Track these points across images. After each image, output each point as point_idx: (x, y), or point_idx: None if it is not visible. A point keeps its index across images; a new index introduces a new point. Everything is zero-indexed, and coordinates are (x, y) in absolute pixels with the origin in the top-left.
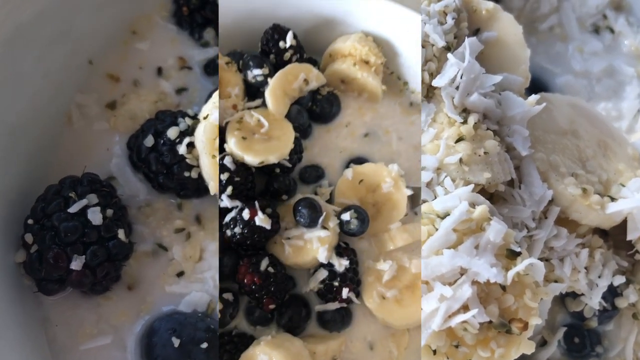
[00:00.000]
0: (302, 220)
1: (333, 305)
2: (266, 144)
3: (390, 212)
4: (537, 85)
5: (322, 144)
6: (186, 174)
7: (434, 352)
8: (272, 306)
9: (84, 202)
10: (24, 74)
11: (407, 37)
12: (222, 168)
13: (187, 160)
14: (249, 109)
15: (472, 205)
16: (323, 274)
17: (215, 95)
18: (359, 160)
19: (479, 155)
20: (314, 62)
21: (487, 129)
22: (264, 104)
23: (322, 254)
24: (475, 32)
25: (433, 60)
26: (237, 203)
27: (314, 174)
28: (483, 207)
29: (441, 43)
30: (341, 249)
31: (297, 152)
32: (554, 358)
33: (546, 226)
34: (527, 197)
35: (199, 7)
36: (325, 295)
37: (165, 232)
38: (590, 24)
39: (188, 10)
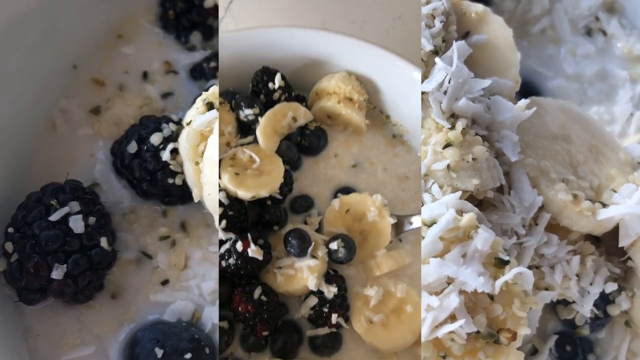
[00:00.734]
0: (292, 250)
1: (323, 331)
2: (258, 179)
3: (375, 240)
4: (528, 89)
5: (311, 174)
6: (170, 180)
7: None
8: (265, 333)
9: (65, 209)
10: (5, 78)
11: (386, 74)
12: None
13: (171, 166)
14: (242, 145)
15: (460, 212)
16: (313, 300)
17: (204, 96)
18: (346, 190)
19: (467, 162)
20: (302, 99)
21: (476, 134)
22: (255, 140)
23: (312, 282)
24: (465, 35)
25: (421, 65)
26: (231, 235)
27: (304, 204)
28: (471, 215)
29: (429, 47)
30: (330, 277)
31: (287, 184)
32: None
33: (536, 233)
34: (517, 204)
35: (185, 10)
36: (316, 321)
37: (150, 239)
38: (583, 26)
39: (174, 14)
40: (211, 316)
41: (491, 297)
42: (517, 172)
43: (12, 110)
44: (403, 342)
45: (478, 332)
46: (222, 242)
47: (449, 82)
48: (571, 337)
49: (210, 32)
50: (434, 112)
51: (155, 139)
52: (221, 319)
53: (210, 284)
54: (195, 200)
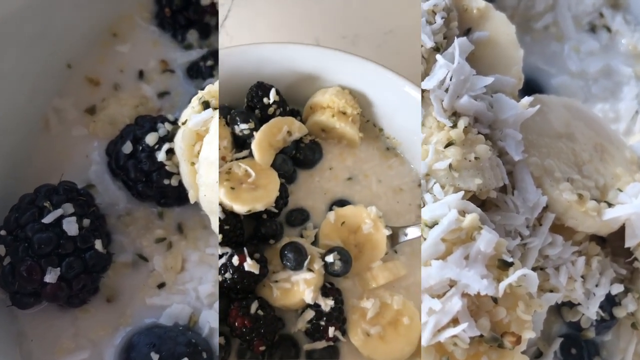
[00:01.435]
0: (288, 264)
1: (321, 344)
2: (253, 193)
3: (371, 252)
4: (531, 87)
5: (307, 187)
6: (166, 181)
7: None
8: (262, 347)
9: (59, 212)
10: None
11: (379, 88)
12: None
13: (167, 167)
14: (237, 159)
15: (462, 213)
16: (310, 314)
17: (199, 95)
18: (341, 203)
19: (470, 161)
20: (297, 113)
21: (478, 133)
22: (251, 155)
23: (308, 295)
24: (466, 32)
25: (421, 62)
26: (227, 250)
27: (300, 217)
28: (473, 216)
29: (430, 44)
30: (327, 289)
31: (282, 197)
32: None
33: (540, 234)
34: (521, 204)
35: (181, 8)
36: (313, 335)
37: (146, 242)
38: (587, 22)
39: (170, 12)
40: (208, 320)
41: (495, 300)
42: (521, 171)
43: (5, 110)
44: (401, 355)
45: (481, 336)
46: (220, 257)
47: (451, 80)
48: (576, 340)
49: (207, 30)
50: (435, 110)
51: (151, 139)
52: (218, 334)
53: (208, 287)
54: (192, 201)
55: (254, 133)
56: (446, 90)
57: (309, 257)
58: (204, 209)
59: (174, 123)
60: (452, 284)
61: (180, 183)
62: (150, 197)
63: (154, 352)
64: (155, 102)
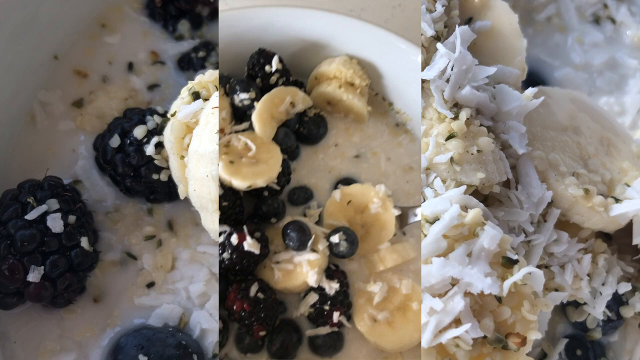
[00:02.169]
0: (291, 243)
1: (324, 330)
2: (254, 167)
3: (379, 233)
4: (534, 79)
5: (310, 165)
6: (155, 176)
7: None
8: (262, 333)
9: (43, 208)
10: None
11: (389, 59)
12: None
13: (156, 161)
14: (236, 132)
15: (464, 208)
16: (313, 297)
17: (189, 85)
18: (347, 181)
19: (472, 154)
20: (300, 85)
21: (481, 125)
22: (251, 127)
23: (312, 278)
24: (468, 21)
25: (421, 51)
26: (226, 228)
27: (303, 195)
28: (476, 211)
29: (430, 32)
30: (331, 272)
31: (285, 174)
32: None
33: (545, 230)
34: (525, 199)
35: None
36: (317, 320)
37: (135, 239)
38: (591, 13)
39: (161, 2)
40: (199, 320)
41: (499, 299)
42: (525, 165)
43: None
44: (409, 341)
45: (485, 337)
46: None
47: (452, 70)
48: (582, 341)
49: (199, 21)
50: (436, 101)
51: (139, 132)
52: None
53: (199, 286)
54: (181, 197)
55: (255, 104)
56: (447, 81)
57: (313, 236)
58: (194, 204)
59: (164, 115)
60: (454, 282)
61: (170, 178)
62: (139, 192)
63: (143, 354)
64: (145, 95)
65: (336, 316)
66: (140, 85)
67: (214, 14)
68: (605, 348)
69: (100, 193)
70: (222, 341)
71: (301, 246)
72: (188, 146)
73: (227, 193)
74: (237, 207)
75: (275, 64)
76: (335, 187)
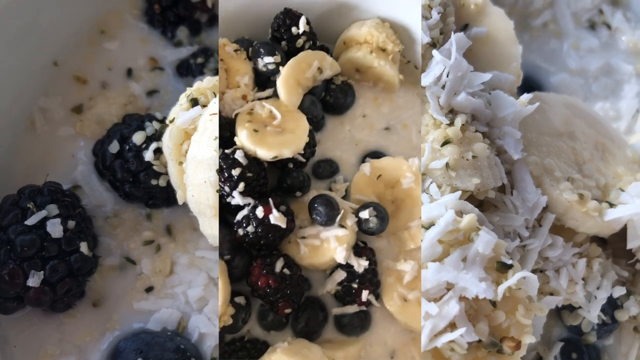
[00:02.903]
0: (318, 218)
1: (352, 309)
2: (279, 137)
3: (410, 210)
4: (530, 85)
5: (336, 136)
6: (154, 181)
7: None
8: (287, 310)
9: (42, 213)
10: None
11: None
12: (234, 163)
13: (155, 167)
14: (260, 99)
15: (460, 213)
16: (341, 275)
17: (188, 92)
18: (375, 155)
19: (467, 160)
20: (326, 50)
21: (476, 130)
22: (275, 94)
23: (340, 254)
24: (463, 28)
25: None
26: (250, 200)
27: (328, 168)
28: (471, 216)
29: (426, 39)
30: (359, 249)
31: (310, 145)
32: None
33: (540, 235)
34: (520, 204)
35: (171, 4)
36: (344, 298)
37: (134, 244)
38: (586, 19)
39: (160, 8)
40: (198, 325)
41: (493, 303)
42: (520, 170)
43: None
44: None
45: (480, 341)
46: (239, 208)
47: (447, 76)
48: (577, 344)
49: (197, 27)
50: (432, 107)
51: (138, 138)
52: (238, 293)
53: (197, 290)
54: (180, 202)
55: (280, 68)
56: (443, 87)
57: (342, 211)
58: (193, 209)
59: (162, 122)
60: (449, 287)
61: (169, 183)
62: (138, 198)
63: (141, 358)
64: (144, 101)
65: (365, 295)
66: (139, 91)
67: (212, 20)
68: (600, 351)
69: (99, 198)
70: (244, 317)
71: (329, 221)
72: (186, 152)
73: (252, 164)
74: (261, 178)
75: (302, 25)
76: (363, 161)
